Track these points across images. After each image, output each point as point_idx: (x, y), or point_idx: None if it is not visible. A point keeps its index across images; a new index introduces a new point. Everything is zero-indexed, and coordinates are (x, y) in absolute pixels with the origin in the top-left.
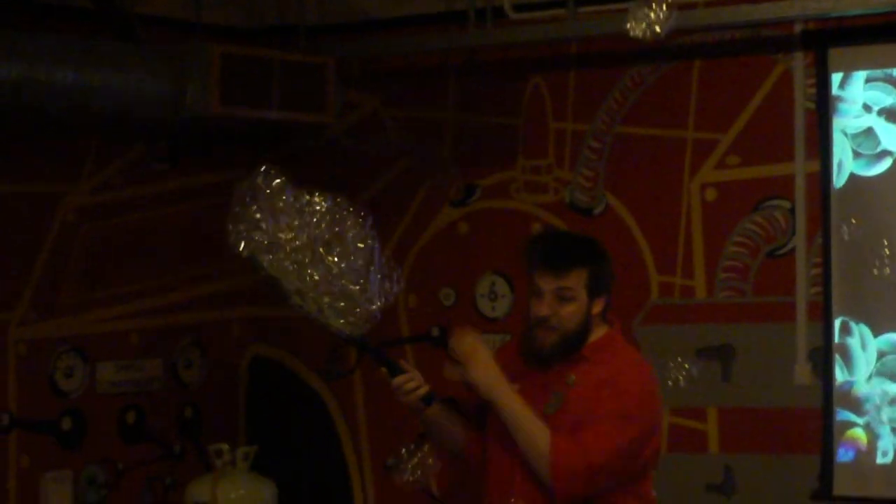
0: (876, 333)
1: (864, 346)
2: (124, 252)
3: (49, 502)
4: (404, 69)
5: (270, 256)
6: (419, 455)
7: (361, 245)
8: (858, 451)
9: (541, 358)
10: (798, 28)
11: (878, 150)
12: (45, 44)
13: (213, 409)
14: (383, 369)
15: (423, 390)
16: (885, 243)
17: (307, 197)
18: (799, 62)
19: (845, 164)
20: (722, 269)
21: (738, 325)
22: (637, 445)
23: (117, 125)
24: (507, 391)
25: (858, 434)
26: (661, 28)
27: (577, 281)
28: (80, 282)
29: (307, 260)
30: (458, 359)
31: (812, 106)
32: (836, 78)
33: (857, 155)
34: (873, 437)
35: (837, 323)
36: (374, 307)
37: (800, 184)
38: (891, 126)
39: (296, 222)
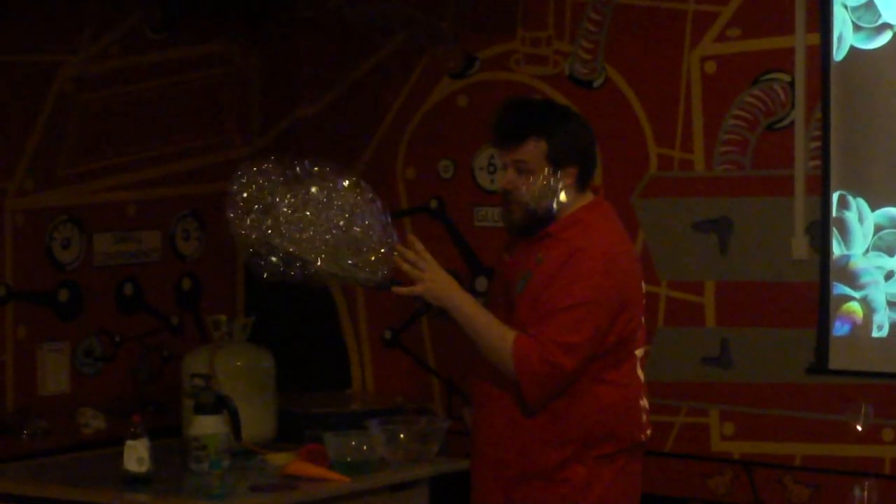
0: (874, 207)
1: (861, 220)
2: (122, 123)
3: (46, 373)
4: None
5: (284, 234)
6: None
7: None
8: (854, 325)
9: (511, 232)
10: None
11: (879, 22)
12: None
13: (210, 280)
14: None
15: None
16: (885, 117)
17: (297, 169)
18: None
19: (845, 37)
20: (721, 143)
21: (736, 198)
22: (604, 330)
23: None
24: (461, 299)
25: (854, 308)
26: None
27: (533, 152)
28: (78, 152)
29: (319, 227)
30: (407, 274)
31: None
32: None
33: (857, 28)
34: (869, 311)
35: (835, 197)
36: (382, 250)
37: (799, 57)
38: None
39: (292, 197)
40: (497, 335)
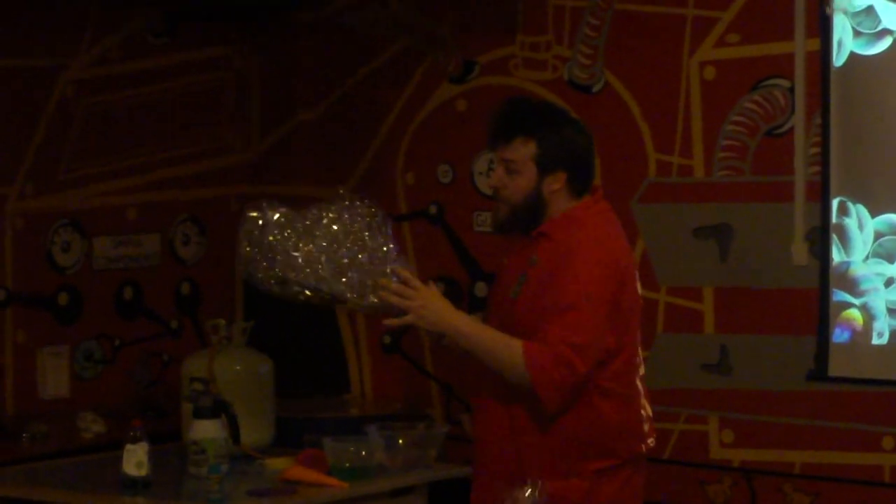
0: (874, 214)
1: (861, 227)
2: (122, 127)
3: (46, 377)
4: None
5: (307, 270)
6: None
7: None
8: (854, 332)
9: (496, 230)
10: None
11: (879, 28)
12: None
13: (210, 285)
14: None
15: None
16: (885, 122)
17: (315, 212)
18: None
19: (845, 42)
20: (720, 148)
21: (736, 204)
22: (600, 336)
23: None
24: (458, 320)
25: (854, 315)
26: None
27: (521, 153)
28: (78, 156)
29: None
30: (396, 306)
31: None
32: None
33: (857, 34)
34: (869, 318)
35: (835, 203)
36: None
37: (799, 62)
38: (891, 4)
39: (316, 232)
40: (504, 348)
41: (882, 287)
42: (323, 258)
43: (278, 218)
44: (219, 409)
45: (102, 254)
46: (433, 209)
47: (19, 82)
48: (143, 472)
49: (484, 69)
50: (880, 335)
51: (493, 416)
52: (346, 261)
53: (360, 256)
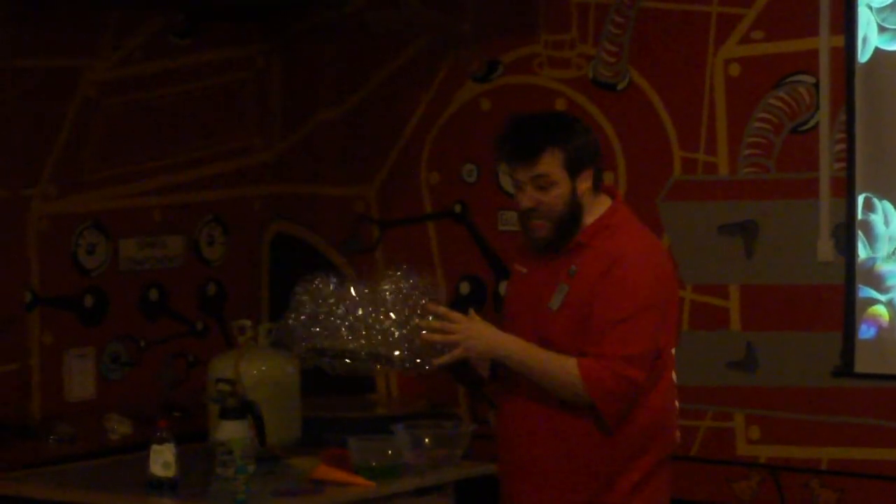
0: None
1: (887, 223)
2: (146, 128)
3: (72, 379)
4: None
5: (362, 342)
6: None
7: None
8: (880, 328)
9: (541, 250)
10: None
11: None
12: None
13: (235, 285)
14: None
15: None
16: None
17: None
18: None
19: (870, 38)
20: (745, 146)
21: (761, 201)
22: (659, 333)
23: None
24: (507, 344)
25: (880, 311)
26: None
27: (551, 165)
28: (102, 158)
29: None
30: (441, 344)
31: None
32: None
33: (882, 29)
34: (895, 314)
35: (861, 199)
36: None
37: (824, 59)
38: None
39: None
40: (559, 367)
41: None
42: (369, 320)
43: (332, 290)
44: (245, 409)
45: (127, 255)
46: (458, 208)
47: (42, 83)
48: (169, 473)
49: (507, 68)
50: None
51: (531, 417)
52: (392, 317)
53: (409, 321)
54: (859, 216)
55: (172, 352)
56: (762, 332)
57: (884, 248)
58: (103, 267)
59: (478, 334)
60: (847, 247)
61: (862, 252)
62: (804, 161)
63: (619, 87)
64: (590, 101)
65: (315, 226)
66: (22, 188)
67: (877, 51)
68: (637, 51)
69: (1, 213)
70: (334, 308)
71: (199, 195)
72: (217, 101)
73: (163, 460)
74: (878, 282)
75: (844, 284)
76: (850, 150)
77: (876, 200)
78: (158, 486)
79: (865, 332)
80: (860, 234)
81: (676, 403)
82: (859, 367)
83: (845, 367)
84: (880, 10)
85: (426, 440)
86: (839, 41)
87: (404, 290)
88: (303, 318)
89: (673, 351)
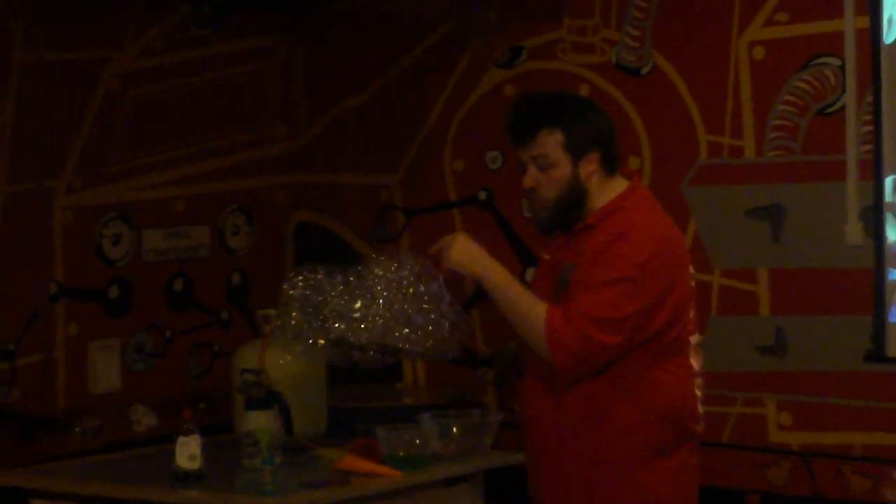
0: None
1: None
2: (169, 118)
3: (97, 371)
4: None
5: (363, 326)
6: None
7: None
8: None
9: (541, 230)
10: None
11: None
12: None
13: (260, 275)
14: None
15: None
16: None
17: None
18: None
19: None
20: (771, 128)
21: (788, 184)
22: (644, 314)
23: None
24: (492, 269)
25: None
26: None
27: (549, 145)
28: (125, 149)
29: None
30: (437, 258)
31: None
32: None
33: None
34: None
35: (889, 181)
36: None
37: (849, 40)
38: None
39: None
40: (528, 308)
41: None
42: (381, 310)
43: (320, 279)
44: (271, 400)
45: (152, 246)
46: (483, 195)
47: (65, 76)
48: (195, 464)
49: (531, 54)
50: None
51: (551, 399)
52: (406, 307)
53: (409, 306)
54: (888, 198)
55: (197, 342)
56: (791, 317)
57: None
58: (128, 258)
59: (464, 246)
60: (876, 229)
61: (891, 234)
62: (831, 143)
63: (643, 71)
64: (614, 86)
65: (339, 215)
66: (46, 180)
67: None
68: (660, 35)
69: (26, 204)
70: (331, 301)
71: (222, 185)
72: (240, 90)
73: (189, 452)
74: None
75: (874, 267)
76: (877, 132)
77: None
78: (184, 478)
79: None
80: (889, 216)
81: (698, 391)
82: (890, 351)
83: (876, 351)
84: None
85: (454, 429)
86: (864, 22)
87: (394, 276)
88: (295, 314)
89: (693, 338)
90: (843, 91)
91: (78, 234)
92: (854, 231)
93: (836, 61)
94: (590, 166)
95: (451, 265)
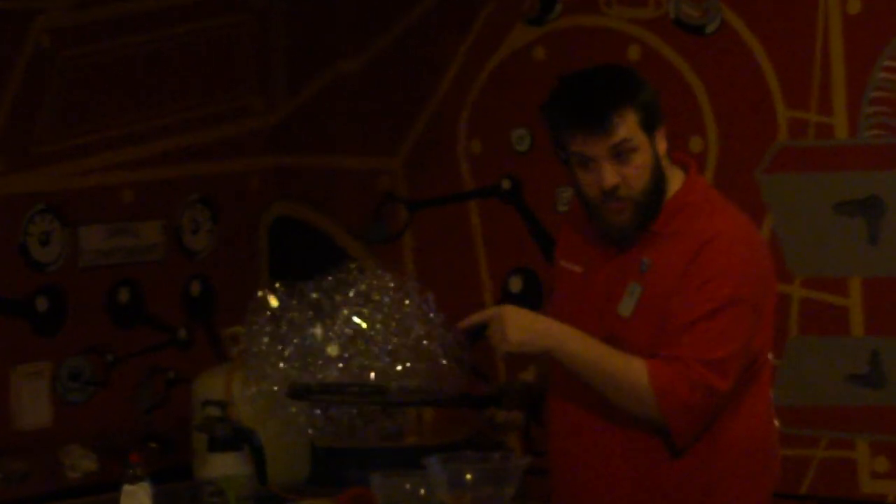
0: None
1: None
2: (114, 86)
3: (21, 402)
4: None
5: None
6: None
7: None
8: None
9: (624, 241)
10: None
11: None
12: None
13: (226, 283)
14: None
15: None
16: None
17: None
18: None
19: None
20: (868, 102)
21: (889, 172)
22: (753, 332)
23: None
24: (564, 336)
25: None
26: None
27: (630, 126)
28: (58, 124)
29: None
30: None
31: None
32: None
33: None
34: None
35: None
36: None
37: None
38: None
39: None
40: (623, 367)
41: None
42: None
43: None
44: (240, 439)
45: (91, 246)
46: (506, 184)
47: None
48: None
49: (567, 7)
50: None
51: (589, 433)
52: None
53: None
54: None
55: (148, 367)
56: (891, 339)
57: None
58: (60, 261)
59: (518, 319)
60: None
61: None
62: None
63: (709, 29)
64: (671, 49)
65: (327, 207)
66: None
67: None
68: None
69: None
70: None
71: (180, 170)
72: (205, 51)
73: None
74: None
75: None
76: None
77: None
78: None
79: None
80: None
81: (777, 423)
82: None
83: None
84: None
85: (467, 476)
86: None
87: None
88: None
89: (770, 357)
90: None
91: None
92: None
93: None
94: (663, 141)
95: (512, 348)
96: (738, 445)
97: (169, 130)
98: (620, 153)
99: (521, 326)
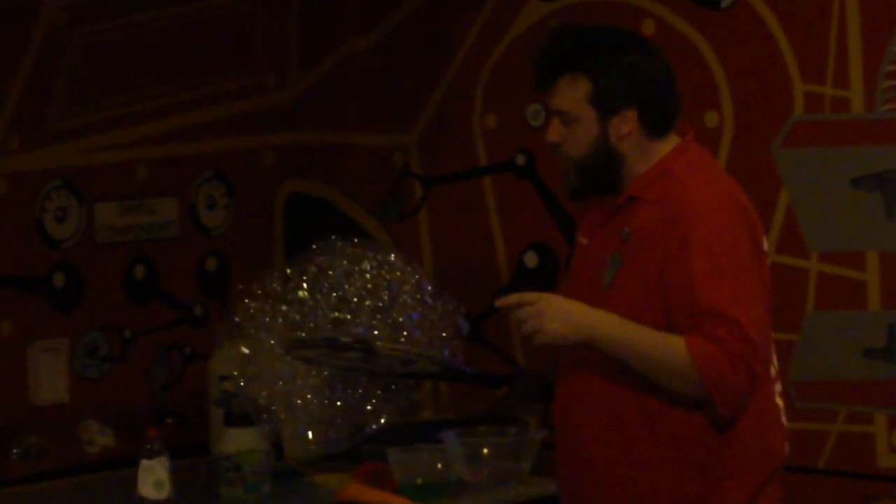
0: None
1: None
2: (128, 63)
3: (38, 378)
4: None
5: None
6: None
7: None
8: None
9: (569, 197)
10: None
11: None
12: None
13: (241, 259)
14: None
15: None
16: None
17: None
18: None
19: None
20: (885, 76)
21: None
22: (761, 290)
23: None
24: (605, 324)
25: None
26: None
27: (571, 96)
28: (74, 101)
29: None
30: (522, 325)
31: None
32: None
33: None
34: None
35: None
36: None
37: None
38: None
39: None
40: (661, 348)
41: None
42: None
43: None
44: (257, 414)
45: (106, 223)
46: (521, 159)
47: None
48: (162, 493)
49: None
50: None
51: (590, 409)
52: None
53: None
54: None
55: (165, 343)
56: None
57: None
58: (76, 238)
59: (559, 310)
60: None
61: None
62: None
63: (724, 3)
64: (686, 21)
65: (341, 184)
66: None
67: None
68: None
69: None
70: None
71: (195, 147)
72: (218, 27)
73: (154, 478)
74: None
75: None
76: None
77: None
78: None
79: None
80: None
81: (779, 401)
82: None
83: None
84: None
85: (484, 451)
86: None
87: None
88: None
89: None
90: None
91: (14, 209)
92: None
93: None
94: (624, 127)
95: (553, 340)
96: (739, 428)
97: (184, 107)
98: (563, 118)
99: (563, 318)
